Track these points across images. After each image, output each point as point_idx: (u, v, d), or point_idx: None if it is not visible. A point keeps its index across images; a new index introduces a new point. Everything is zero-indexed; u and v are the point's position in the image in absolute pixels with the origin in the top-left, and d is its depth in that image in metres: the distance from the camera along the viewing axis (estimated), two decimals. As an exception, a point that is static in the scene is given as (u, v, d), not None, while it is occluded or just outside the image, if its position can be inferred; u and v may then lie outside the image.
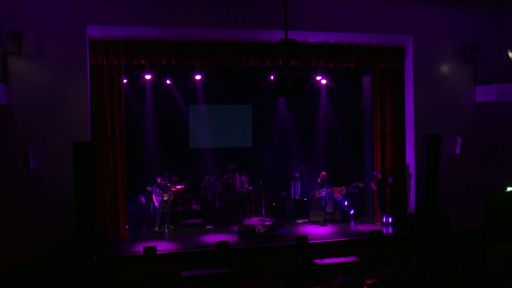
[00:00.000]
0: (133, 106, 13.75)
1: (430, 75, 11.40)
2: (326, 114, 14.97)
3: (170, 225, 11.38)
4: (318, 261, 9.00)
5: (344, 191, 12.49)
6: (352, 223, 11.87)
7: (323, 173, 12.44)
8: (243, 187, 12.64)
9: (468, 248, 7.70)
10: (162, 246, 9.37)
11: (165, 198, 11.31)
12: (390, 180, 11.60)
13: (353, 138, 14.36)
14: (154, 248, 8.95)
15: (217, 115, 14.96)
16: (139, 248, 9.09)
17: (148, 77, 12.83)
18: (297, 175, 14.16)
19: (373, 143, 12.20)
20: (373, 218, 12.04)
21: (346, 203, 12.65)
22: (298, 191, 14.10)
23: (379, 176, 11.62)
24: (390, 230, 10.98)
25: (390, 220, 11.52)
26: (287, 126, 15.31)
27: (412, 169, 11.58)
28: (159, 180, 11.63)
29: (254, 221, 12.10)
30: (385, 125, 11.96)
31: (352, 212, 12.42)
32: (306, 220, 12.05)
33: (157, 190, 11.33)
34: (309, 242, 9.56)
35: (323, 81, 14.10)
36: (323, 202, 12.18)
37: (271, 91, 14.28)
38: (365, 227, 11.08)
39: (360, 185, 12.96)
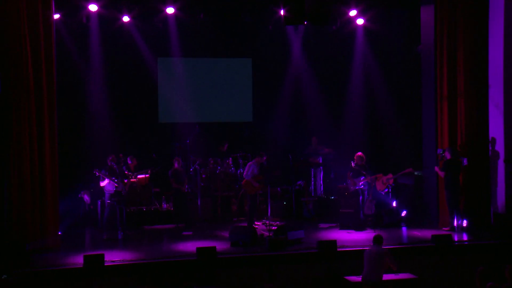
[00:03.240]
0: (71, 56, 13.55)
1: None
2: (364, 68, 14.84)
3: (126, 231, 11.15)
4: (352, 278, 8.74)
5: (391, 181, 12.20)
6: (404, 228, 11.68)
7: (359, 154, 12.09)
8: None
9: None
10: (114, 256, 9.30)
11: (119, 188, 11.17)
12: (465, 161, 11.24)
13: (406, 101, 14.30)
14: (101, 257, 8.77)
15: (200, 74, 14.89)
16: (78, 259, 8.98)
17: (93, 8, 12.26)
18: (320, 160, 14.07)
19: (436, 107, 11.94)
20: (437, 222, 11.78)
21: (394, 203, 12.37)
22: (321, 184, 14.09)
23: (448, 155, 11.18)
24: (465, 237, 10.73)
25: (464, 223, 11.23)
26: (305, 88, 15.20)
27: (500, 145, 11.31)
28: (110, 160, 11.47)
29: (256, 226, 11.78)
30: (455, 80, 11.61)
31: (403, 213, 12.09)
32: (334, 225, 11.95)
33: (107, 173, 11.21)
34: (338, 250, 9.54)
35: (360, 21, 13.96)
36: (360, 197, 11.87)
37: (280, 36, 14.50)
38: (425, 233, 10.87)
39: (416, 172, 12.64)
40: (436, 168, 11.40)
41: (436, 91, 11.87)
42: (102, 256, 8.76)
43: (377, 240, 8.27)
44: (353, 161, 12.05)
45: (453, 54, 11.55)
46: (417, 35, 12.87)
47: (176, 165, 12.46)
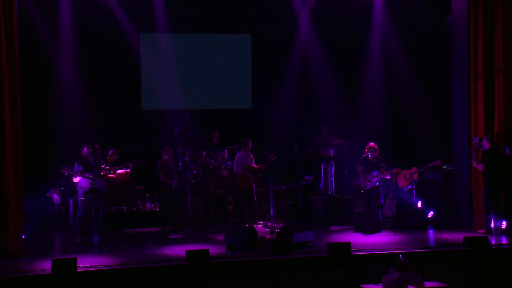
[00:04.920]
0: (37, 30, 13.62)
1: None
2: (383, 45, 15.02)
3: (103, 234, 11.24)
4: (370, 287, 8.73)
5: (415, 176, 12.29)
6: (431, 230, 11.78)
7: (371, 144, 12.29)
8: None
9: None
10: (88, 261, 9.33)
11: (96, 184, 11.29)
12: (507, 151, 11.27)
13: (433, 82, 14.53)
14: (73, 261, 8.76)
15: (190, 53, 15.09)
16: (46, 265, 8.96)
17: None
18: (331, 153, 14.32)
19: (469, 88, 12.03)
20: (470, 223, 11.90)
21: (419, 203, 12.38)
22: (332, 180, 14.30)
23: (487, 145, 11.22)
24: (504, 241, 10.69)
25: (503, 224, 11.23)
26: (313, 69, 15.33)
27: (547, 132, 11.52)
28: (85, 151, 11.52)
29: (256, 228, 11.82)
30: (493, 55, 11.65)
31: (430, 214, 12.19)
32: (348, 227, 12.11)
33: (81, 168, 11.30)
34: (353, 254, 9.57)
35: (379, -9, 14.35)
36: (373, 198, 12.13)
37: (285, 7, 14.69)
38: (456, 236, 10.88)
39: (444, 166, 12.81)
40: (474, 164, 11.38)
41: (469, 69, 11.92)
42: (74, 260, 8.74)
43: (399, 266, 8.08)
44: (368, 154, 12.12)
45: (490, 25, 11.56)
46: (447, 4, 12.97)
47: (166, 156, 12.55)
